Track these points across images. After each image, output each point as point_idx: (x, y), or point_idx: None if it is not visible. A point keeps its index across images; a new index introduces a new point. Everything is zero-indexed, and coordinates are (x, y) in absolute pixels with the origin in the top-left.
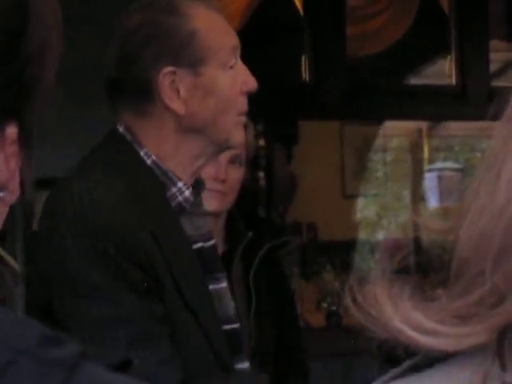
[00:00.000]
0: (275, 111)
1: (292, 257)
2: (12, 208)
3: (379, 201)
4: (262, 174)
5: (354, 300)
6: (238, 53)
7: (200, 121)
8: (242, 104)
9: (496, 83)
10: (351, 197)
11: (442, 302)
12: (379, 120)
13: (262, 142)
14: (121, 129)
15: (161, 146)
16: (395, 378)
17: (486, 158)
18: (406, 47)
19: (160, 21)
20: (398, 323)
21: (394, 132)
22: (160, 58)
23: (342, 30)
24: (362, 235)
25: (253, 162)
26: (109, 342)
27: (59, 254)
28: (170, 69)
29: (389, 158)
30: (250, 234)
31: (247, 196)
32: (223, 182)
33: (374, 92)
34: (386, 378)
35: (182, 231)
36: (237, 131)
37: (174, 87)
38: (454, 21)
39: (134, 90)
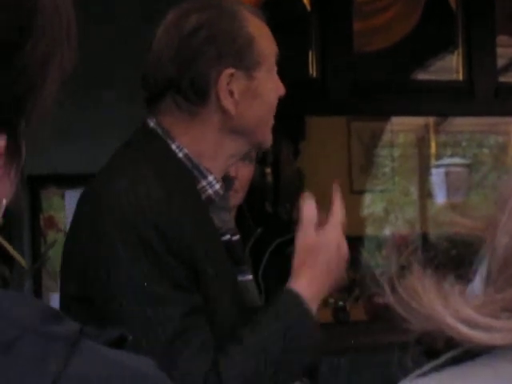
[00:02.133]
0: (282, 107)
1: None
2: (18, 205)
3: (386, 196)
4: (269, 170)
5: (394, 291)
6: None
7: (246, 122)
8: (275, 107)
9: (503, 79)
10: (358, 192)
11: (488, 295)
12: (386, 116)
13: None
14: (152, 123)
15: (200, 144)
16: (435, 369)
17: None
18: (414, 42)
19: (221, 23)
20: (449, 319)
21: (401, 127)
22: (221, 59)
23: (349, 25)
24: (370, 231)
25: (260, 158)
26: (150, 339)
27: (104, 250)
28: (230, 70)
29: (396, 153)
30: (259, 230)
31: (255, 192)
32: (233, 179)
33: (381, 88)
34: (425, 369)
35: (213, 222)
36: (270, 133)
37: (228, 88)
38: (461, 16)
39: (190, 88)
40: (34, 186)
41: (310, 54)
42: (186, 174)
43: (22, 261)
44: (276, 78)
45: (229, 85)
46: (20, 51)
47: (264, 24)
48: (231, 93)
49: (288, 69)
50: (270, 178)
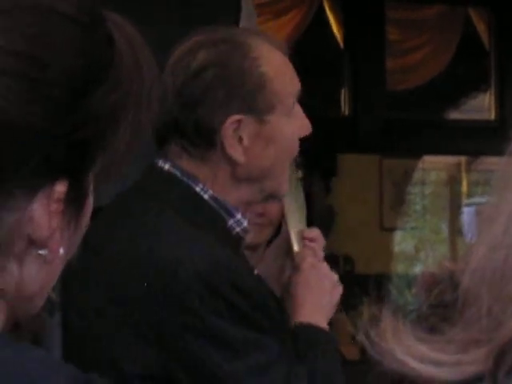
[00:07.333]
0: (314, 143)
1: None
2: None
3: (417, 234)
4: None
5: (368, 335)
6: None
7: (257, 170)
8: (296, 150)
9: None
10: (389, 230)
11: (447, 334)
12: (418, 154)
13: (300, 174)
14: (166, 165)
15: (217, 186)
16: None
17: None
18: (446, 81)
19: (231, 62)
20: (400, 354)
21: (433, 165)
22: (229, 105)
23: (382, 63)
24: (400, 268)
25: None
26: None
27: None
28: (237, 117)
29: (427, 191)
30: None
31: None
32: (261, 215)
33: (413, 126)
34: None
35: (249, 262)
36: (286, 180)
37: (236, 135)
38: (494, 56)
39: (195, 133)
40: None
41: (343, 91)
42: (215, 216)
43: (52, 293)
44: (298, 116)
45: (237, 131)
46: (88, 98)
47: (285, 59)
48: (240, 139)
49: (320, 106)
50: None
